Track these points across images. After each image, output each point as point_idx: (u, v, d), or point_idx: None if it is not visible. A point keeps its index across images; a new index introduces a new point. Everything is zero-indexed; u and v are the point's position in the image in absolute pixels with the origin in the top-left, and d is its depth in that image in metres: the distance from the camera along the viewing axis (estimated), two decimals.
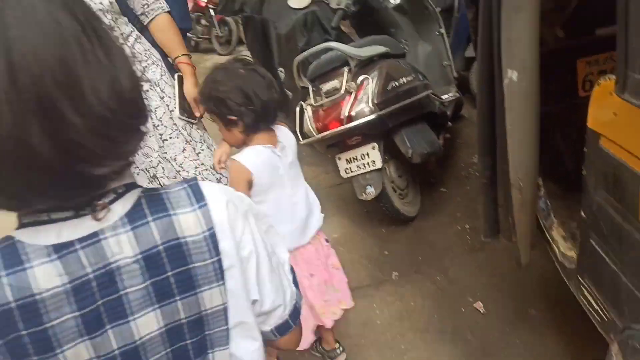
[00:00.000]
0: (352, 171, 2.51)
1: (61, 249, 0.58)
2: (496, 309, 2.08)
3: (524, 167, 1.54)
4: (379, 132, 2.45)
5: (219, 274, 0.66)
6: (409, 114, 2.54)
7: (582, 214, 1.33)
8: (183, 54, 1.85)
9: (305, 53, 2.55)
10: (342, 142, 2.50)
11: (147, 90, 1.76)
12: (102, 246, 0.60)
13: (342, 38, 3.33)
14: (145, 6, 1.78)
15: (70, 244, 0.58)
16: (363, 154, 2.46)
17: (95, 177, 0.57)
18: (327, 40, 3.22)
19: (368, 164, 2.46)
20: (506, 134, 1.52)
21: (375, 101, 2.35)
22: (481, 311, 2.07)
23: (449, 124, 3.15)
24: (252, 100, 1.41)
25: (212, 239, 0.65)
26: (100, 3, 1.62)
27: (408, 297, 2.22)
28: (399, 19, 3.29)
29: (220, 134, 1.54)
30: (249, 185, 1.46)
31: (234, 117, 1.43)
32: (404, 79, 2.53)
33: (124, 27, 1.73)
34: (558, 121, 1.90)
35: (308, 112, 2.49)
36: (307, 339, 1.70)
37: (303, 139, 2.50)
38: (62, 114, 0.51)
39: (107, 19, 1.66)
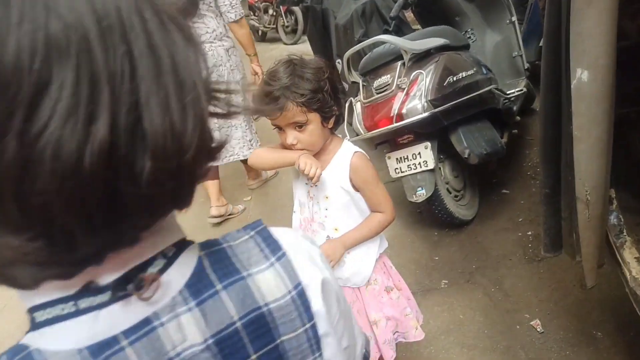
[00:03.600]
0: (402, 171, 2.37)
1: (101, 351, 0.40)
2: (556, 329, 1.88)
3: (593, 179, 1.34)
4: (432, 130, 2.29)
5: (315, 343, 0.49)
6: (468, 110, 2.36)
7: None
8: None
9: (357, 46, 2.44)
10: (393, 141, 2.37)
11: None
12: (159, 336, 0.42)
13: (403, 29, 3.18)
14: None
15: (112, 340, 0.41)
16: (414, 154, 2.32)
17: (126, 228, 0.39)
18: (386, 31, 3.08)
19: (420, 164, 2.31)
20: (573, 141, 1.34)
21: (429, 98, 2.19)
22: (538, 330, 1.89)
23: (517, 118, 2.91)
24: (344, 90, 1.37)
25: (301, 299, 0.48)
26: None
27: (457, 309, 2.08)
28: (465, 7, 3.08)
29: (290, 142, 1.34)
30: None
31: (336, 109, 1.34)
32: (464, 73, 2.35)
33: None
34: (636, 125, 1.66)
35: (357, 108, 2.38)
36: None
37: (351, 136, 2.39)
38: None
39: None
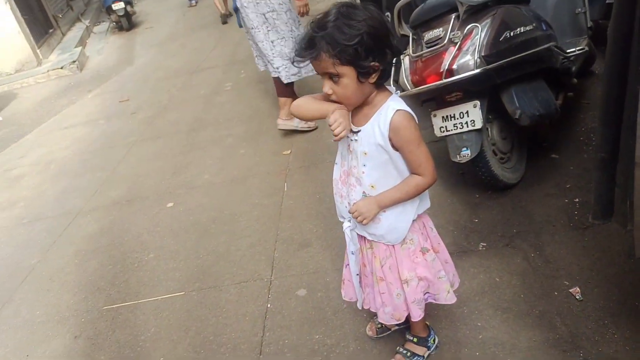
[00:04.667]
0: (447, 130, 2.29)
1: None
2: (596, 298, 1.82)
3: None
4: (483, 88, 2.19)
5: None
6: (523, 68, 2.23)
7: None
8: None
9: None
10: (440, 98, 2.29)
11: None
12: None
13: None
14: None
15: None
16: (462, 112, 2.23)
17: None
18: None
19: (467, 123, 2.23)
20: (638, 103, 1.25)
21: (483, 53, 2.08)
22: (577, 297, 1.84)
23: (574, 80, 2.74)
24: (392, 45, 1.27)
25: None
26: None
27: (494, 272, 2.04)
28: None
29: (330, 94, 1.31)
30: None
31: (377, 64, 1.25)
32: (522, 29, 2.21)
33: None
34: None
35: (405, 63, 2.29)
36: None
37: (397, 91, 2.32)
38: None
39: None
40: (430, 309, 1.92)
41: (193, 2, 11.79)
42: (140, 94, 5.78)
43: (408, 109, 1.34)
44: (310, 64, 1.30)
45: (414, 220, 1.50)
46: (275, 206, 2.90)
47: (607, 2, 3.32)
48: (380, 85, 1.35)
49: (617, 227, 1.53)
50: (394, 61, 1.31)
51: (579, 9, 2.97)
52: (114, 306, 2.41)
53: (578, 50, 2.62)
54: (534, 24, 2.29)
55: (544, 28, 2.39)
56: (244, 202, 3.02)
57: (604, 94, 1.45)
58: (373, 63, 1.25)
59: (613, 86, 1.39)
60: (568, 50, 2.60)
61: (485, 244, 2.19)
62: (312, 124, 3.72)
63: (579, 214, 2.23)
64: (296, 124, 3.69)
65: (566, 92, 2.69)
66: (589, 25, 2.97)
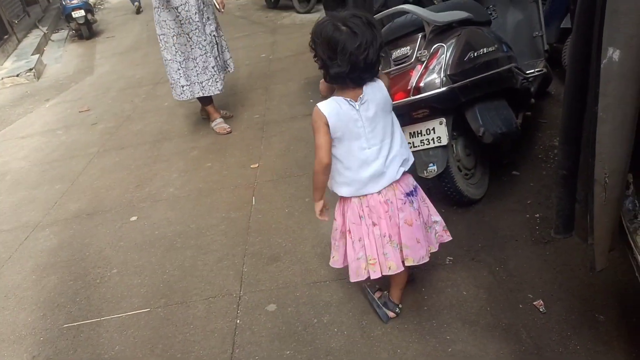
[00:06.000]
0: (414, 146, 2.35)
1: None
2: (559, 310, 1.90)
3: (614, 162, 1.33)
4: (449, 106, 2.26)
5: None
6: (486, 88, 2.32)
7: None
8: None
9: (377, 16, 2.38)
10: (407, 115, 2.34)
11: None
12: None
13: (424, 1, 3.10)
14: None
15: None
16: (429, 129, 2.30)
17: None
18: (406, 1, 3.01)
19: (433, 139, 2.29)
20: (596, 122, 1.32)
21: (449, 72, 2.16)
22: (541, 310, 1.90)
23: (532, 100, 2.87)
24: (338, 57, 1.56)
25: None
26: None
27: (461, 286, 2.09)
28: None
29: None
30: (327, 128, 1.65)
31: (319, 65, 1.65)
32: (485, 50, 2.30)
33: None
34: None
35: None
36: (359, 277, 1.85)
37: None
38: None
39: None
40: (399, 322, 1.96)
41: (136, 3, 11.80)
42: (102, 104, 5.62)
43: (324, 105, 1.65)
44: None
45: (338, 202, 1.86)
46: (244, 220, 2.87)
47: (561, 27, 3.53)
48: (341, 86, 1.68)
49: (578, 241, 1.60)
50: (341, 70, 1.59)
51: (537, 32, 3.12)
52: (75, 324, 2.31)
53: (537, 71, 2.75)
54: (495, 46, 2.39)
55: (505, 50, 2.50)
56: (211, 216, 2.98)
57: (564, 113, 1.52)
58: (317, 63, 1.65)
59: (573, 106, 1.47)
60: (527, 72, 2.72)
61: (451, 258, 2.25)
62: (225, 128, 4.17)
63: (540, 228, 2.32)
64: (213, 125, 4.21)
65: (525, 111, 2.81)
66: (545, 48, 3.13)
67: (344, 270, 1.94)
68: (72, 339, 2.22)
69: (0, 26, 9.26)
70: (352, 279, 1.87)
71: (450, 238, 1.95)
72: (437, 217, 1.92)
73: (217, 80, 3.94)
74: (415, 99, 2.19)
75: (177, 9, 3.67)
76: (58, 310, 2.42)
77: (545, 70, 2.91)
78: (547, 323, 1.85)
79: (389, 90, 1.75)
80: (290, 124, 4.08)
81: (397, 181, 1.76)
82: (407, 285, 2.02)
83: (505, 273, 2.11)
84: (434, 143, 2.31)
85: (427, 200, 1.91)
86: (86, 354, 2.13)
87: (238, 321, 2.14)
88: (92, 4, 11.14)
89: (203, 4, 3.80)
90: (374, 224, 1.76)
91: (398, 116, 2.42)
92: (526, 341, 1.79)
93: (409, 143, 2.38)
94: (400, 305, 2.00)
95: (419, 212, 1.82)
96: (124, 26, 10.70)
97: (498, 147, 2.69)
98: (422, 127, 2.33)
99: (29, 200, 3.66)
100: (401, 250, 1.78)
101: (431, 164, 2.32)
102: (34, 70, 7.42)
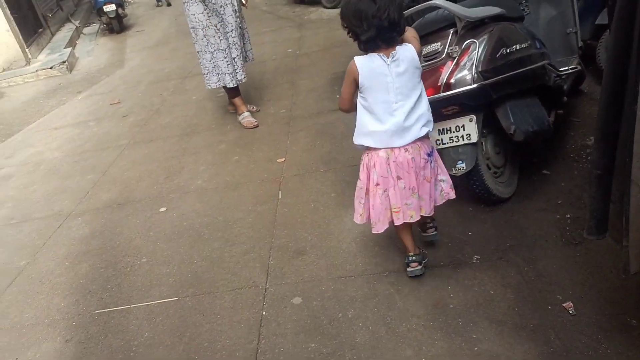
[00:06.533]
0: (443, 143, 2.33)
1: None
2: (589, 312, 1.86)
3: None
4: (479, 103, 2.24)
5: None
6: (518, 85, 2.29)
7: None
8: None
9: (408, 11, 2.36)
10: (437, 111, 2.32)
11: None
12: None
13: None
14: None
15: None
16: (458, 126, 2.27)
17: None
18: None
19: (462, 137, 2.27)
20: (635, 121, 1.29)
21: (480, 69, 2.13)
22: (570, 312, 1.87)
23: (565, 99, 2.81)
24: (364, 23, 1.81)
25: None
26: None
27: (488, 285, 2.07)
28: None
29: None
30: (355, 82, 1.91)
31: (350, 35, 1.90)
32: (518, 46, 2.27)
33: None
34: None
35: None
36: (383, 225, 2.05)
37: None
38: None
39: None
40: (424, 319, 1.95)
41: (161, 2, 12.20)
42: (132, 97, 5.74)
43: (359, 59, 1.89)
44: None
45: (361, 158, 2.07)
46: (270, 213, 2.90)
47: (596, 23, 3.44)
48: (378, 48, 1.89)
49: (611, 243, 1.57)
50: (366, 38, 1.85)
51: (570, 29, 3.05)
52: (106, 310, 2.38)
53: (571, 68, 2.69)
54: (529, 42, 2.35)
55: (538, 46, 2.45)
56: (238, 209, 3.02)
57: (601, 110, 1.48)
58: (349, 34, 1.91)
59: (610, 104, 1.44)
60: (561, 69, 2.67)
61: (479, 257, 2.23)
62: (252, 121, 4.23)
63: (571, 229, 2.28)
64: (240, 118, 4.26)
65: (557, 109, 2.76)
66: (579, 45, 3.06)
67: (370, 266, 1.93)
68: (104, 325, 2.29)
69: (35, 20, 9.52)
70: (376, 230, 2.06)
71: (454, 196, 2.15)
72: (444, 176, 2.12)
73: (242, 69, 4.08)
74: (446, 95, 2.17)
75: (204, 2, 3.74)
76: (90, 297, 2.50)
77: (579, 67, 2.84)
78: (577, 325, 1.82)
79: (419, 55, 1.95)
80: (317, 119, 4.09)
81: (422, 140, 1.97)
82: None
83: (534, 273, 2.09)
84: (463, 140, 2.28)
85: (440, 160, 2.11)
86: (116, 339, 2.19)
87: (264, 313, 2.17)
88: None
89: None
90: (399, 178, 1.96)
91: None
92: (555, 343, 1.77)
93: (438, 140, 2.36)
94: (418, 255, 2.16)
95: (435, 172, 2.05)
96: (153, 20, 10.87)
97: (529, 146, 2.65)
98: (451, 124, 2.31)
99: (61, 189, 3.77)
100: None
101: (460, 162, 2.30)
102: (66, 63, 7.61)
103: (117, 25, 9.90)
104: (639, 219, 1.39)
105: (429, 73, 2.26)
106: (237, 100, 4.25)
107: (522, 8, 2.98)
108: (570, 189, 2.56)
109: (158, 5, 12.64)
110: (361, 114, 1.96)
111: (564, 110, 2.85)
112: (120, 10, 9.80)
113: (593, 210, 1.60)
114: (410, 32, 1.97)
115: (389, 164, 1.94)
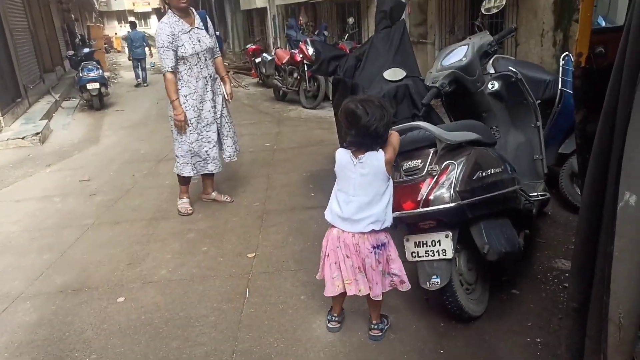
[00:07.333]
0: (419, 256, 2.35)
1: None
2: None
3: (629, 302, 1.33)
4: (455, 221, 2.30)
5: None
6: (492, 207, 2.38)
7: None
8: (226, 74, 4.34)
9: (395, 127, 2.49)
10: (414, 224, 2.37)
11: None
12: None
13: (431, 115, 3.27)
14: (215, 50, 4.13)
15: None
16: (434, 241, 2.31)
17: None
18: (415, 115, 3.18)
19: (438, 252, 2.30)
20: (612, 261, 1.34)
21: (458, 189, 2.22)
22: None
23: (532, 222, 2.93)
24: (353, 130, 2.12)
25: None
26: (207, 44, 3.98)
27: None
28: (493, 105, 3.20)
29: None
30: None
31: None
32: (492, 170, 2.39)
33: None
34: None
35: None
36: (331, 291, 2.33)
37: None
38: None
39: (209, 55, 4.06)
40: None
41: (139, 80, 12.84)
42: (103, 175, 5.66)
43: (340, 150, 2.25)
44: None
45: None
46: (235, 313, 2.77)
47: (559, 152, 3.71)
48: (345, 146, 2.28)
49: None
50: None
51: (537, 156, 3.26)
52: None
53: (541, 195, 2.83)
54: (502, 167, 2.49)
55: (510, 171, 2.60)
56: (202, 305, 2.88)
57: (577, 248, 1.54)
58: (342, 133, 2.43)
59: (585, 245, 1.49)
60: (530, 194, 2.81)
61: None
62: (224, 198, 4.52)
63: (542, 354, 2.26)
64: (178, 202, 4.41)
65: (524, 230, 2.86)
66: (545, 171, 3.26)
67: None
68: None
69: (15, 89, 9.57)
70: (325, 292, 2.37)
71: (407, 289, 2.34)
72: (398, 271, 2.29)
73: (214, 161, 4.23)
74: (424, 211, 2.23)
75: (185, 97, 3.97)
76: None
77: (547, 194, 3.00)
78: None
79: (394, 165, 2.23)
80: (290, 215, 4.10)
81: (370, 233, 2.19)
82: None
83: None
84: (439, 255, 2.31)
85: (394, 256, 2.28)
86: None
87: None
88: (107, 78, 11.63)
89: (213, 93, 4.11)
90: (347, 256, 2.23)
91: (405, 225, 2.47)
92: None
93: (414, 252, 2.38)
94: (380, 323, 2.44)
95: (380, 262, 2.24)
96: (135, 101, 11.09)
97: (499, 265, 2.69)
98: (427, 237, 2.34)
99: (14, 267, 3.53)
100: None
101: (435, 276, 2.31)
102: (40, 134, 7.54)
103: (97, 103, 10.04)
104: (616, 357, 1.39)
105: (409, 188, 2.34)
106: (184, 188, 4.41)
107: (493, 133, 3.20)
108: (539, 312, 2.58)
109: (137, 85, 13.12)
110: (333, 193, 2.30)
111: (530, 231, 2.96)
112: (103, 89, 10.01)
113: (569, 343, 1.60)
114: (393, 137, 2.19)
115: (339, 242, 2.24)
